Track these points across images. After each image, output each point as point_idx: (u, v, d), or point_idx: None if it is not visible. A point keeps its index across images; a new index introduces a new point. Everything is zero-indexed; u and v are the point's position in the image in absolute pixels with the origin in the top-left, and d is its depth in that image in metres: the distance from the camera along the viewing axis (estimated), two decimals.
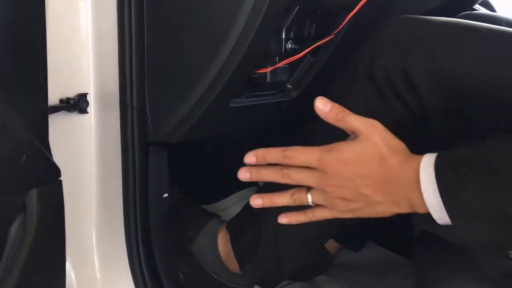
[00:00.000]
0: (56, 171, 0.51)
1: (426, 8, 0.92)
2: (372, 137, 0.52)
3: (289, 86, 0.77)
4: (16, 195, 0.46)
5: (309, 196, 0.55)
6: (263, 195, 0.58)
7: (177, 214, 0.89)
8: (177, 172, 0.85)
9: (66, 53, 0.63)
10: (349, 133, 0.54)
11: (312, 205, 0.56)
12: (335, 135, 0.55)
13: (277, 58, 0.72)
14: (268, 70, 0.69)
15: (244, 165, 0.55)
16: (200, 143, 1.09)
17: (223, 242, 0.84)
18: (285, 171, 0.54)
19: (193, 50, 0.65)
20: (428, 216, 0.51)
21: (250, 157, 0.54)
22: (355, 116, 0.53)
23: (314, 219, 0.57)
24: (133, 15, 0.65)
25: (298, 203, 0.56)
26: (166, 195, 0.76)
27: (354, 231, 0.96)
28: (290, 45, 0.76)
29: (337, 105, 0.53)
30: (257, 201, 0.57)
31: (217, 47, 0.62)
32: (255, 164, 0.55)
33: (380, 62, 0.65)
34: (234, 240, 0.80)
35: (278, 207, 0.59)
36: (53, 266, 0.50)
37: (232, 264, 0.82)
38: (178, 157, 0.84)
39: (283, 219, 0.58)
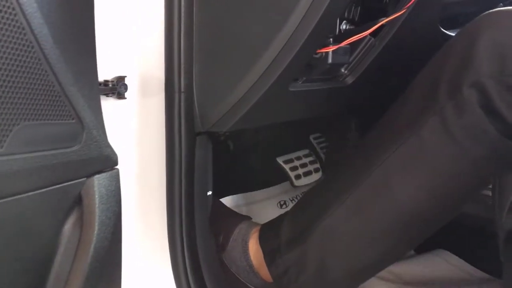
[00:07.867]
0: (114, 157, 0.42)
1: None
2: None
3: (344, 71, 0.70)
4: (72, 184, 0.37)
5: None
6: None
7: None
8: None
9: (106, 31, 0.55)
10: None
11: None
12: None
13: (331, 39, 0.65)
14: (330, 49, 0.62)
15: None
16: (222, 141, 1.01)
17: (254, 250, 0.77)
18: None
19: (251, 26, 0.57)
20: None
21: None
22: None
23: None
24: None
25: None
26: (210, 193, 0.68)
27: None
28: (344, 26, 0.70)
29: None
30: None
31: (281, 21, 0.54)
32: None
33: (473, 78, 0.50)
34: (270, 260, 0.72)
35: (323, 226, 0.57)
36: (112, 271, 0.41)
37: (266, 274, 0.74)
38: None
39: None
